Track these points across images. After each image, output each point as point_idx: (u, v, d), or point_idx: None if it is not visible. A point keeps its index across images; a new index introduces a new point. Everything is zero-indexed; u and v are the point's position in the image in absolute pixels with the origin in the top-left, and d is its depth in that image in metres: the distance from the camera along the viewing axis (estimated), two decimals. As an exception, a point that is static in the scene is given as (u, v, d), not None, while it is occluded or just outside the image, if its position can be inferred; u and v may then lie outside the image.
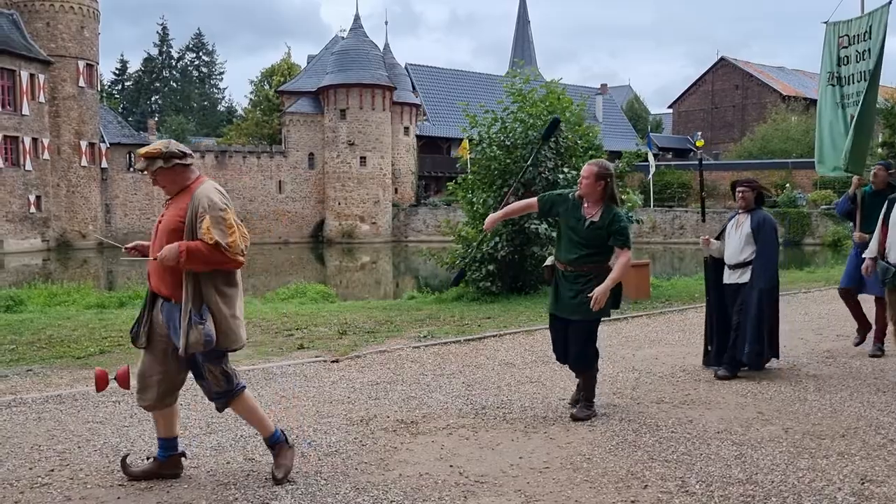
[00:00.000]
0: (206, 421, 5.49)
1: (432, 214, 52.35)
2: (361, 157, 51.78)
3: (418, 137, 56.58)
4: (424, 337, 8.97)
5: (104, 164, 47.80)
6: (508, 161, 13.42)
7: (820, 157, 8.16)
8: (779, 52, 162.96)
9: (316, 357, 7.79)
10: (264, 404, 5.88)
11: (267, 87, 63.39)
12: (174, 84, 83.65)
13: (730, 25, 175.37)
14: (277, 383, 6.67)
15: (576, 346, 5.46)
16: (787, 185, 46.79)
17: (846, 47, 7.94)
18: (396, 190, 54.32)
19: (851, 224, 8.04)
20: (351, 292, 26.05)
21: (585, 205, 5.39)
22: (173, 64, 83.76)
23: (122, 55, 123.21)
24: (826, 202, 43.55)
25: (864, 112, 7.54)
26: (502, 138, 13.69)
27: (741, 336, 6.60)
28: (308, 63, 59.06)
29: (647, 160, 41.18)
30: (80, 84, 44.77)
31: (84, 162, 45.45)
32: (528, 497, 4.01)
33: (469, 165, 14.89)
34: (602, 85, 72.69)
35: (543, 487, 4.14)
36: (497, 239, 13.17)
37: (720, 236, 7.02)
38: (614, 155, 15.85)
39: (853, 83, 7.81)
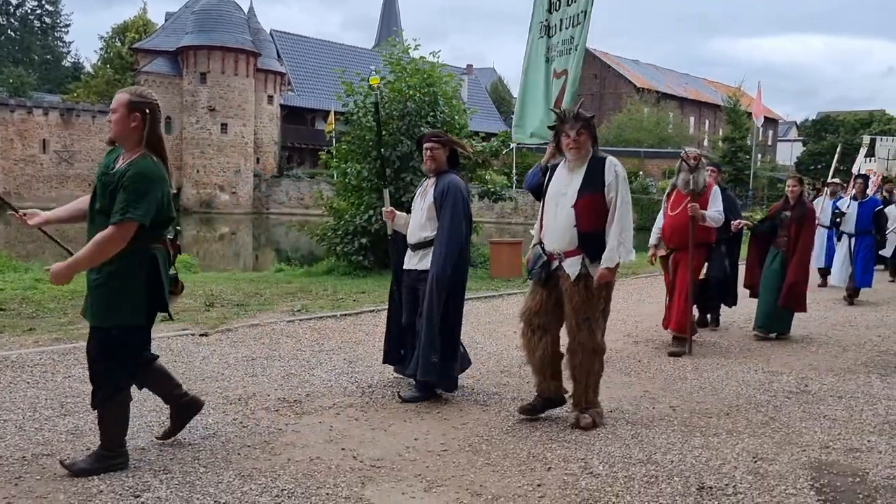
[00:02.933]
0: (60, 401, 4.89)
1: (295, 186, 50.99)
2: (223, 124, 49.59)
3: (282, 107, 54.78)
4: (298, 311, 8.55)
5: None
6: (384, 133, 13.05)
7: (519, 120, 6.72)
8: (638, 45, 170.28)
9: (183, 330, 7.21)
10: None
11: (119, 43, 59.38)
12: (12, 33, 76.76)
13: (599, 16, 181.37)
14: (140, 359, 6.07)
15: None
16: (640, 173, 48.99)
17: None
18: (258, 160, 52.48)
19: None
20: (209, 264, 24.86)
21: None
22: (11, 11, 76.83)
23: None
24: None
25: (576, 65, 6.11)
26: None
27: (418, 341, 5.15)
28: (166, 20, 55.81)
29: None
30: None
31: None
32: (429, 482, 3.76)
33: (334, 140, 14.41)
34: (468, 66, 73.06)
35: (444, 472, 3.90)
36: (371, 212, 12.84)
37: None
38: (479, 136, 15.81)
39: (562, 30, 6.40)
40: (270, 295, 9.82)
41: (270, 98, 53.41)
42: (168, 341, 6.71)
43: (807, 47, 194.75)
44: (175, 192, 49.01)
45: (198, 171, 49.72)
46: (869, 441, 4.56)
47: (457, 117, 13.68)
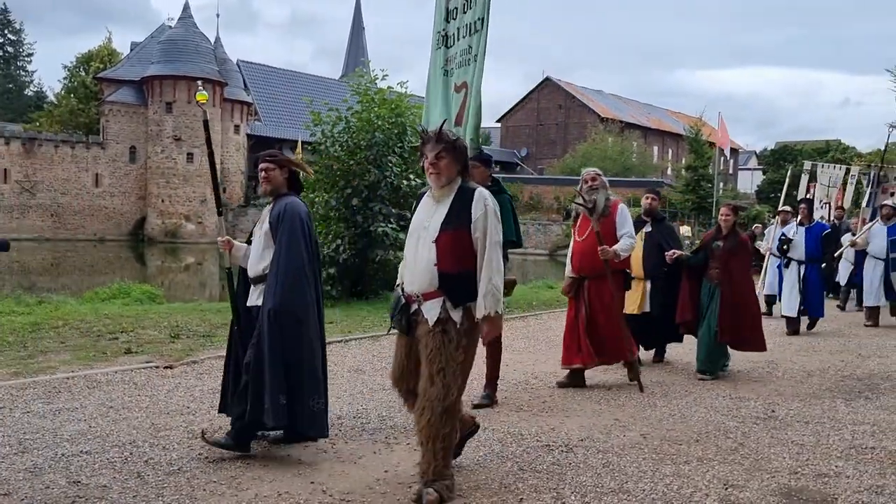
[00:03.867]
0: (18, 438, 4.75)
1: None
2: (188, 154, 49.32)
3: (249, 137, 54.63)
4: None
5: None
6: (352, 162, 13.06)
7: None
8: (601, 77, 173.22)
9: (146, 363, 7.07)
10: (88, 416, 5.21)
11: (83, 73, 58.87)
12: (-26, 63, 75.85)
13: (565, 48, 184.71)
14: (103, 392, 5.95)
15: None
16: (606, 201, 49.49)
17: None
18: (225, 189, 52.11)
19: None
20: (174, 294, 24.50)
21: None
22: (-27, 41, 75.94)
23: None
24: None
25: (477, 76, 5.64)
26: (346, 139, 13.31)
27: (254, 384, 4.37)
28: (131, 50, 55.56)
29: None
30: None
31: None
32: (400, 515, 3.71)
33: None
34: (435, 95, 73.68)
35: (415, 504, 3.85)
36: (339, 241, 12.79)
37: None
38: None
39: (459, 39, 6.02)
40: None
41: (237, 127, 53.26)
42: (131, 374, 6.58)
43: (765, 79, 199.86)
44: (140, 220, 48.78)
45: (163, 201, 49.25)
46: (836, 466, 4.60)
47: (425, 147, 13.72)
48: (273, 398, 4.25)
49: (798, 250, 10.66)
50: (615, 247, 6.40)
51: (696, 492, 4.11)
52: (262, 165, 4.81)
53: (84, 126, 53.78)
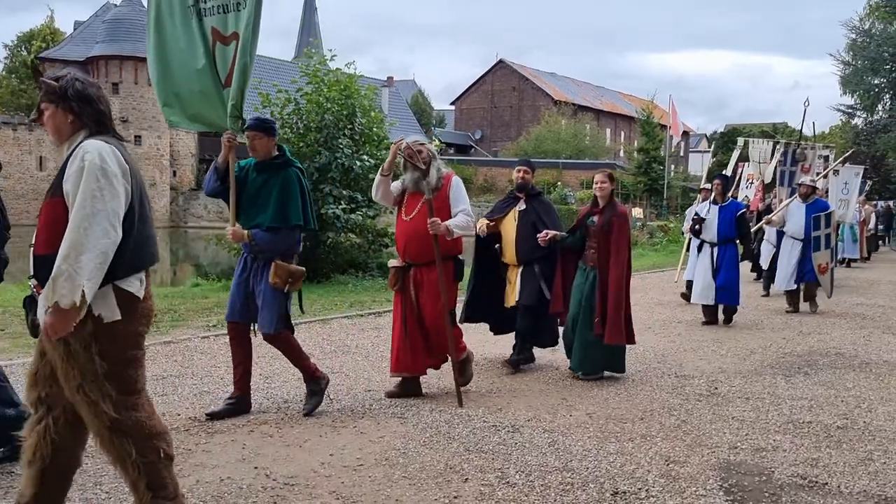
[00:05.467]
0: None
1: (214, 199, 49.73)
2: (136, 136, 48.13)
3: (199, 118, 53.59)
4: (214, 326, 8.32)
5: None
6: (301, 144, 12.92)
7: (165, 95, 5.04)
8: (556, 59, 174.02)
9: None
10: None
11: (25, 52, 57.08)
12: None
13: (520, 30, 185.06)
14: (42, 381, 5.80)
15: None
16: (559, 183, 49.92)
17: None
18: (175, 173, 51.15)
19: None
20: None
21: None
22: None
23: None
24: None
25: (251, 28, 4.72)
26: (295, 120, 13.16)
27: None
28: (75, 29, 53.93)
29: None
30: None
31: None
32: (344, 498, 3.69)
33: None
34: (388, 78, 73.13)
35: (360, 487, 3.84)
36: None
37: None
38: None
39: None
40: (185, 311, 9.55)
41: (186, 109, 52.17)
42: (73, 361, 6.43)
43: (716, 63, 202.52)
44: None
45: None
46: (774, 440, 4.72)
47: (375, 129, 13.65)
48: None
49: (710, 231, 9.47)
50: (449, 221, 5.46)
51: (639, 468, 4.18)
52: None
53: (26, 107, 52.06)
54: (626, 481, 3.97)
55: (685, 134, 74.62)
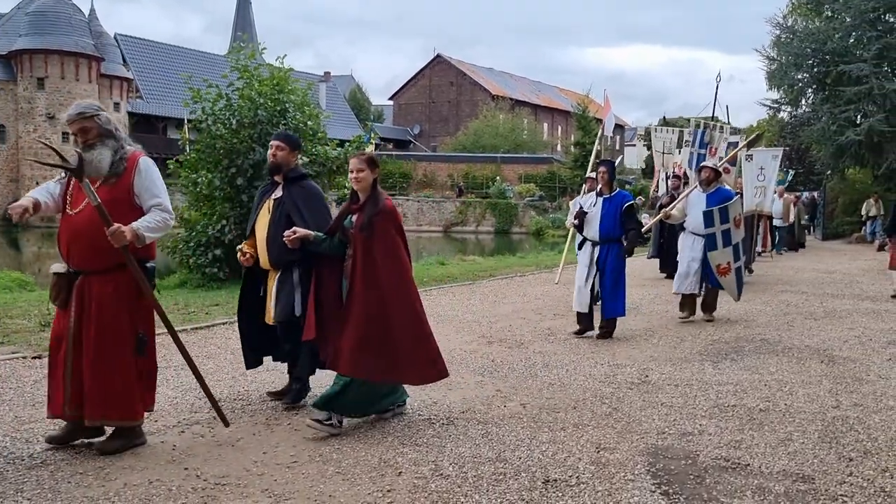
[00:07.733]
0: None
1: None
2: (64, 133, 46.59)
3: (130, 115, 52.18)
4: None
5: None
6: (235, 141, 12.70)
7: None
8: (496, 53, 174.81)
9: (13, 353, 6.70)
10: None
11: (-58, 46, 54.71)
12: None
13: (460, 25, 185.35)
14: (-38, 387, 5.60)
15: None
16: (497, 178, 50.24)
17: None
18: (105, 171, 49.68)
19: None
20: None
21: None
22: None
23: None
24: (530, 195, 47.60)
25: None
26: (227, 116, 12.92)
27: None
28: (-4, 22, 51.95)
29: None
30: None
31: None
32: (276, 496, 3.67)
33: (188, 146, 13.86)
34: (325, 73, 72.54)
35: (293, 484, 3.82)
36: (224, 222, 12.47)
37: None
38: (334, 143, 15.37)
39: None
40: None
41: (117, 105, 50.73)
42: (-5, 366, 6.22)
43: (651, 58, 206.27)
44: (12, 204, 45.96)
45: (37, 183, 46.16)
46: (700, 425, 4.86)
47: (310, 123, 13.49)
48: None
49: (592, 227, 7.88)
50: (136, 224, 4.11)
51: (570, 456, 4.26)
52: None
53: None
54: (557, 469, 4.04)
55: (619, 128, 75.85)
